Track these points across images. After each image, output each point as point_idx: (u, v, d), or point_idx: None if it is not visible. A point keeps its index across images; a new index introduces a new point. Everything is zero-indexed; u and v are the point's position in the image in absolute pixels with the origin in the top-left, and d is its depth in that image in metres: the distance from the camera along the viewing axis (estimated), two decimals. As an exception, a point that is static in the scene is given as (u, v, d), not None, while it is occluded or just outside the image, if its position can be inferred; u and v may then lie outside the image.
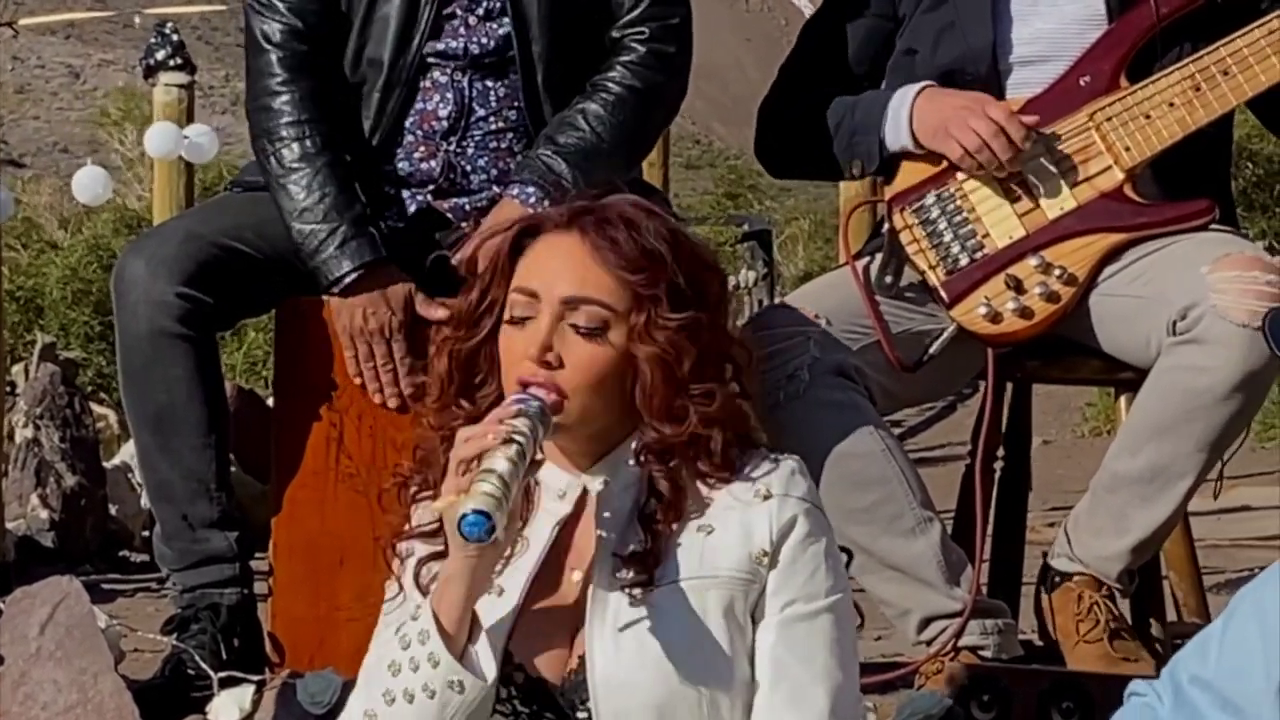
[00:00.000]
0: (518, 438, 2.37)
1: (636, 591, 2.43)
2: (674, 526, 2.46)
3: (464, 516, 2.31)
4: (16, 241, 13.63)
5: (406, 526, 2.52)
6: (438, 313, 3.36)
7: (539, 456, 2.45)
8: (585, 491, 2.51)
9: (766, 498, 2.46)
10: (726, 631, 2.43)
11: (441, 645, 2.37)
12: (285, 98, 3.44)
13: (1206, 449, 3.33)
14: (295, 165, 3.41)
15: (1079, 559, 3.44)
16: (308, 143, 3.41)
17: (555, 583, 2.49)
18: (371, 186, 3.46)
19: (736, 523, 2.46)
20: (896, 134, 3.46)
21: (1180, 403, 3.28)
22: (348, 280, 3.37)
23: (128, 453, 8.87)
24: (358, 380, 3.41)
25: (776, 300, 16.35)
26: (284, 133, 3.42)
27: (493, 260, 2.54)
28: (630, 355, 2.48)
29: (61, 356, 10.65)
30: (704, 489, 2.48)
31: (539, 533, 2.49)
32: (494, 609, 2.45)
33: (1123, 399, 3.62)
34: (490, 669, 2.39)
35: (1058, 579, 3.47)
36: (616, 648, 2.42)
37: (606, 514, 2.49)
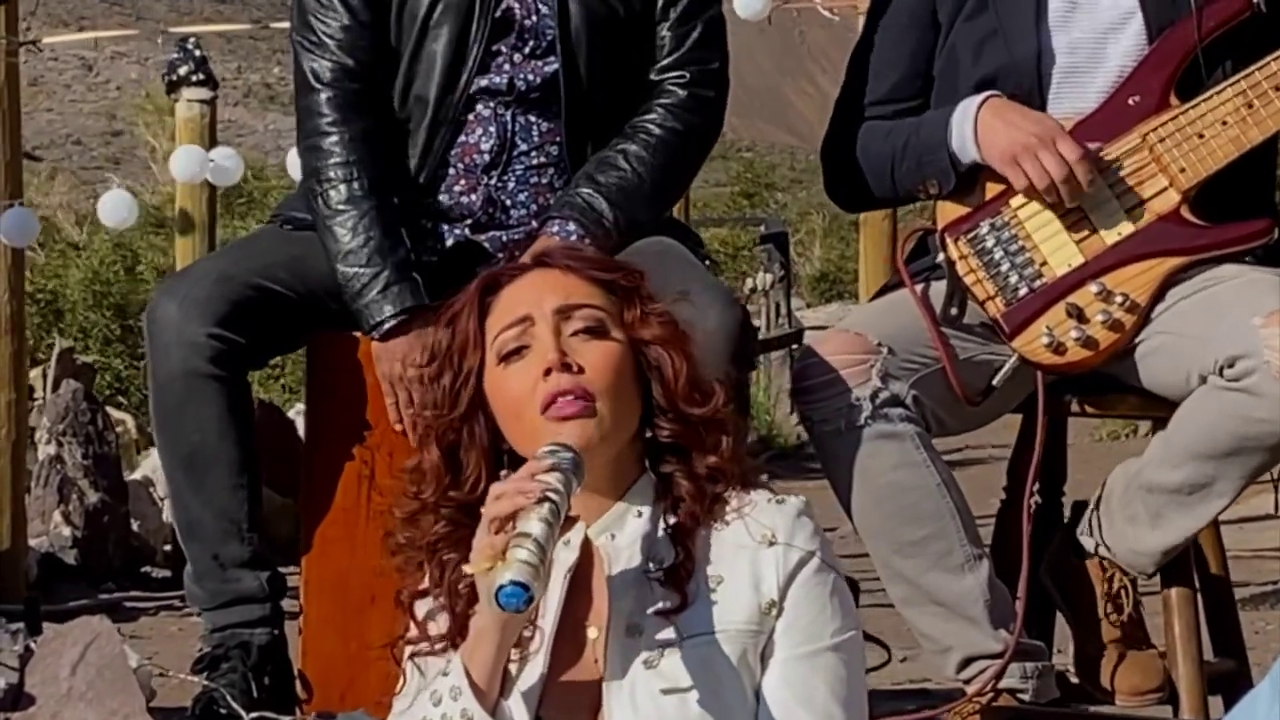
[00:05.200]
0: (552, 496, 2.35)
1: (653, 653, 2.42)
2: (699, 535, 2.46)
3: (501, 588, 2.28)
4: (34, 241, 13.58)
5: (413, 631, 2.52)
6: None
7: (572, 512, 2.43)
8: (587, 540, 2.50)
9: (772, 544, 2.45)
10: (740, 682, 2.42)
11: (474, 701, 2.37)
12: (334, 138, 3.42)
13: (1249, 477, 3.32)
14: (342, 207, 3.40)
15: (1109, 548, 3.45)
16: (355, 185, 3.40)
17: (576, 640, 2.48)
18: (412, 221, 3.44)
19: (745, 571, 2.45)
20: (964, 148, 3.41)
21: (1227, 442, 3.24)
22: (387, 325, 3.35)
23: (149, 467, 8.87)
24: (398, 427, 3.39)
25: (793, 303, 16.36)
26: (332, 174, 3.41)
27: (462, 330, 2.54)
28: (634, 354, 2.50)
29: (79, 360, 10.65)
30: (711, 527, 2.47)
31: (553, 585, 2.47)
32: (523, 673, 2.44)
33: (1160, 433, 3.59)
34: None
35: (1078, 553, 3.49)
36: (635, 711, 2.41)
37: (616, 572, 2.48)
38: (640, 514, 2.49)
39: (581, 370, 2.46)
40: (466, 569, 2.40)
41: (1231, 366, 3.20)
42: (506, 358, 2.50)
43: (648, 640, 2.42)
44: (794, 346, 13.86)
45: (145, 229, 15.13)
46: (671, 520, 2.47)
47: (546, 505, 2.34)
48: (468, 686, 2.37)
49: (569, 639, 2.47)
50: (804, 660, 2.42)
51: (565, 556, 2.47)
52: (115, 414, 9.88)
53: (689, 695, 2.39)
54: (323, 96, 3.44)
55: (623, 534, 2.49)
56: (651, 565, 2.46)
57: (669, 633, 2.42)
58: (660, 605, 2.43)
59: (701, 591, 2.44)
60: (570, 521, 2.47)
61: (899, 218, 8.51)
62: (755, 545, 2.45)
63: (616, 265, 2.60)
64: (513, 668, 2.43)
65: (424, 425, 2.56)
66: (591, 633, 2.46)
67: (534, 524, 2.32)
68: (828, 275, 20.92)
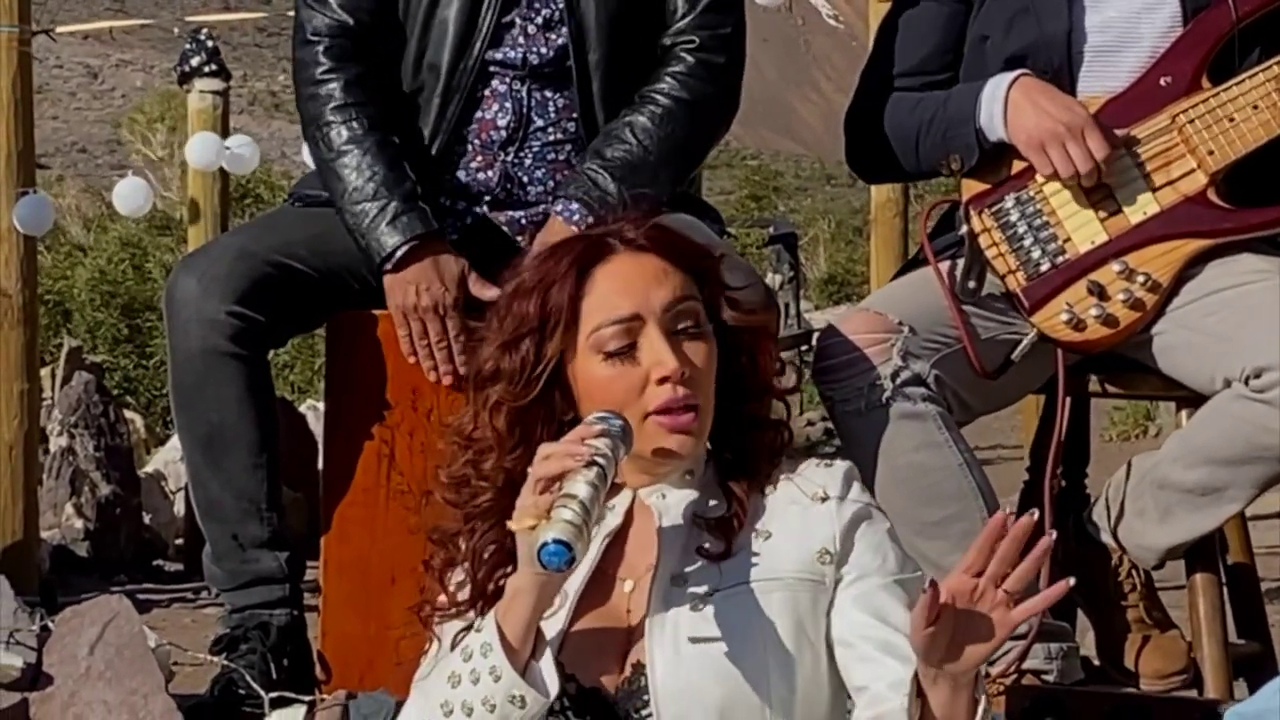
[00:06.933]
0: (600, 460, 2.35)
1: (698, 600, 2.42)
2: (751, 497, 2.47)
3: (544, 545, 2.27)
4: (41, 243, 13.59)
5: (442, 599, 2.51)
6: (490, 292, 3.31)
7: (624, 476, 2.45)
8: (633, 504, 2.51)
9: (824, 499, 2.48)
10: (792, 633, 2.42)
11: (504, 659, 2.36)
12: (331, 84, 3.43)
13: (1262, 487, 3.30)
14: (343, 148, 3.39)
15: (1118, 539, 3.44)
16: (354, 124, 3.39)
17: (605, 594, 2.48)
18: (429, 198, 3.42)
19: (796, 525, 2.47)
20: (991, 125, 3.38)
21: (1244, 449, 3.23)
22: (399, 254, 3.33)
23: (160, 460, 8.86)
24: (411, 359, 3.37)
25: (802, 304, 16.33)
26: (330, 117, 3.41)
27: (555, 306, 2.49)
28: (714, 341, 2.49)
29: (88, 360, 10.64)
30: (763, 491, 2.50)
31: (590, 546, 2.46)
32: (544, 622, 2.44)
33: (1183, 413, 3.57)
34: (553, 684, 2.38)
35: (1092, 539, 3.48)
36: (677, 655, 2.41)
37: (664, 524, 2.48)
38: (691, 475, 2.51)
39: (694, 376, 2.46)
40: (510, 525, 2.39)
41: (1258, 377, 3.17)
42: (611, 355, 2.47)
43: (692, 589, 2.43)
44: (803, 348, 13.86)
45: (152, 229, 15.13)
46: (730, 476, 2.50)
47: (594, 469, 2.34)
48: (499, 643, 2.36)
49: (596, 592, 2.47)
50: (875, 591, 2.45)
51: (609, 521, 2.49)
52: (125, 413, 9.86)
53: (733, 641, 2.40)
54: (318, 48, 3.44)
55: (674, 493, 2.51)
56: (700, 518, 2.48)
57: (714, 581, 2.43)
58: (706, 552, 2.45)
59: (749, 544, 2.46)
60: (616, 489, 2.48)
61: (910, 219, 8.48)
62: (808, 502, 2.48)
63: (704, 250, 2.56)
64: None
65: (496, 397, 2.51)
66: (626, 585, 2.47)
67: (580, 486, 2.32)
68: (835, 278, 20.93)
